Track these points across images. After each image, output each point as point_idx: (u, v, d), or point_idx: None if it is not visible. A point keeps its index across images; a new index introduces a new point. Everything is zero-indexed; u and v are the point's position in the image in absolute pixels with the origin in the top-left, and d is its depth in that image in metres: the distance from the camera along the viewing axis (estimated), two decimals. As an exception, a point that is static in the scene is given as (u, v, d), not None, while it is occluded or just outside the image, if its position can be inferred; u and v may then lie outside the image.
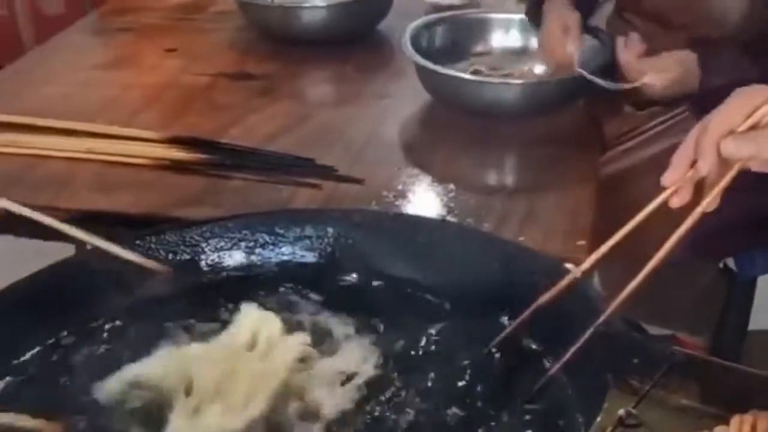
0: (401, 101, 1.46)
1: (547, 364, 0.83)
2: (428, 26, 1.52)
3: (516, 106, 1.36)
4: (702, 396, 0.74)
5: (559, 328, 0.82)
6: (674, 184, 0.77)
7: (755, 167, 0.77)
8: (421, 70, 1.39)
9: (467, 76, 1.40)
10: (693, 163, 0.77)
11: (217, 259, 1.00)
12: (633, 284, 0.78)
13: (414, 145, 1.36)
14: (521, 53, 1.54)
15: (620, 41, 1.33)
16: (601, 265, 0.84)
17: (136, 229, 1.01)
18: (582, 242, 1.06)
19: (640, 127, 1.41)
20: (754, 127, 0.75)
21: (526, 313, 0.82)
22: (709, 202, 0.77)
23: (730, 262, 1.55)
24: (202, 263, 0.99)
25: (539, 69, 1.50)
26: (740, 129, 0.75)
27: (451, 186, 1.21)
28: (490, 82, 1.40)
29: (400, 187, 1.20)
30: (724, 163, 0.76)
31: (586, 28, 1.44)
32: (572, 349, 0.77)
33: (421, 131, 1.41)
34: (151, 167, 1.24)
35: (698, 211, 0.77)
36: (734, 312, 1.63)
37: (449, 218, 1.14)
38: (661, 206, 0.80)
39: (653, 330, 1.69)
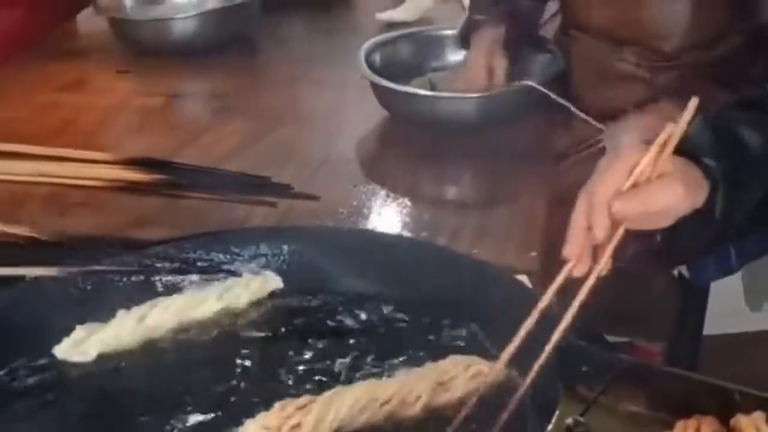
0: (357, 118, 1.47)
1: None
2: (383, 43, 1.54)
3: (469, 120, 1.38)
4: (648, 402, 0.75)
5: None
6: (575, 256, 0.78)
7: (638, 226, 0.79)
8: (375, 87, 1.41)
9: (421, 91, 1.41)
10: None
11: (172, 280, 1.00)
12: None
13: (369, 162, 1.37)
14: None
15: None
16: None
17: (91, 252, 1.02)
18: (534, 253, 1.08)
19: (591, 138, 1.43)
20: (635, 186, 0.77)
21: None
22: (603, 266, 0.78)
23: (684, 270, 1.58)
24: (157, 284, 0.99)
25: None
26: (624, 188, 0.77)
27: (406, 201, 1.22)
28: (443, 97, 1.42)
29: (355, 203, 1.21)
30: (614, 225, 0.78)
31: (536, 41, 1.47)
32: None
33: (376, 147, 1.42)
34: (106, 189, 1.24)
35: (593, 276, 0.78)
36: (689, 318, 1.66)
37: (404, 233, 1.15)
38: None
39: (611, 338, 1.71)
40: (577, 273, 0.78)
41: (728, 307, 1.75)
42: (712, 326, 1.71)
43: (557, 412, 0.74)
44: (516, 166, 1.32)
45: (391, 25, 1.78)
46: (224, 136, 1.41)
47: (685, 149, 0.81)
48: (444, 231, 1.15)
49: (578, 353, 0.78)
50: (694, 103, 0.78)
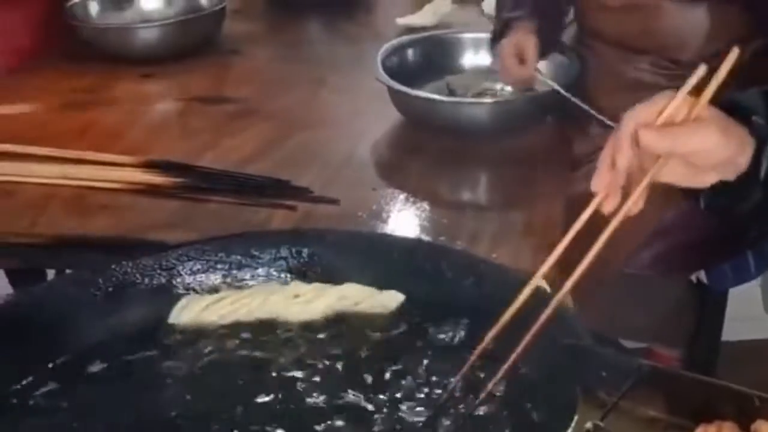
0: (376, 122, 1.47)
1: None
2: (401, 48, 1.55)
3: (487, 124, 1.38)
4: (668, 407, 0.75)
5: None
6: (603, 189, 0.77)
7: (670, 174, 0.78)
8: (392, 92, 1.41)
9: (438, 96, 1.42)
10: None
11: (193, 282, 1.01)
12: (568, 284, 0.79)
13: (388, 165, 1.38)
14: (493, 72, 1.56)
15: None
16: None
17: (113, 254, 1.02)
18: (552, 258, 1.08)
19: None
20: (669, 124, 0.76)
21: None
22: (633, 203, 0.77)
23: (702, 276, 1.58)
24: (179, 286, 1.00)
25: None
26: (657, 123, 0.76)
27: (425, 205, 1.22)
28: (460, 102, 1.42)
29: (374, 206, 1.22)
30: (642, 163, 0.77)
31: (556, 46, 1.47)
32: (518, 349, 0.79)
33: (395, 151, 1.43)
34: (127, 191, 1.25)
35: (623, 212, 0.76)
36: (707, 324, 1.66)
37: (423, 237, 1.15)
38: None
39: (629, 344, 1.71)
40: (606, 208, 0.76)
41: (746, 313, 1.74)
42: (730, 332, 1.70)
43: (576, 417, 0.74)
44: (533, 171, 1.32)
45: (410, 30, 1.79)
46: (244, 140, 1.41)
47: (734, 107, 0.80)
48: (462, 235, 1.15)
49: (598, 358, 0.78)
50: (734, 53, 0.75)
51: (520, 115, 1.40)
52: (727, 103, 0.78)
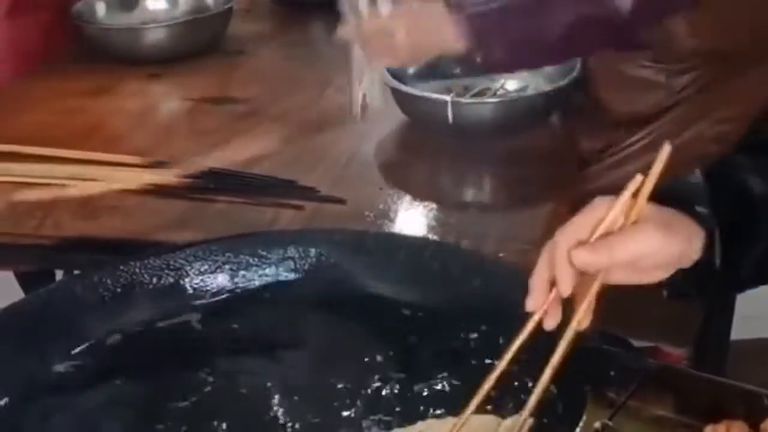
0: (382, 122, 1.47)
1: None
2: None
3: (490, 124, 1.38)
4: (677, 406, 0.75)
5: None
6: (538, 309, 0.74)
7: (617, 279, 0.74)
8: (395, 92, 1.41)
9: (440, 96, 1.41)
10: (553, 284, 0.74)
11: (201, 282, 1.01)
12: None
13: (394, 165, 1.38)
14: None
15: None
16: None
17: (121, 254, 1.03)
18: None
19: (616, 145, 1.42)
20: (605, 236, 0.72)
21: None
22: (580, 319, 0.74)
23: (710, 274, 1.57)
24: (187, 286, 1.00)
25: (511, 85, 1.52)
26: (592, 239, 0.72)
27: (432, 205, 1.22)
28: (462, 102, 1.42)
29: (381, 206, 1.22)
30: (587, 278, 0.74)
31: None
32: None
33: (401, 151, 1.43)
34: (135, 192, 1.25)
35: (571, 330, 0.74)
36: (716, 323, 1.65)
37: (430, 236, 1.15)
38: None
39: (637, 343, 1.71)
40: (547, 327, 0.74)
41: (756, 312, 1.73)
42: (739, 331, 1.70)
43: (585, 417, 0.74)
44: (540, 170, 1.32)
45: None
46: (251, 140, 1.41)
47: (676, 198, 0.77)
48: (470, 235, 1.15)
49: (606, 357, 0.78)
50: (666, 150, 0.73)
51: (526, 114, 1.39)
52: (668, 194, 0.75)
